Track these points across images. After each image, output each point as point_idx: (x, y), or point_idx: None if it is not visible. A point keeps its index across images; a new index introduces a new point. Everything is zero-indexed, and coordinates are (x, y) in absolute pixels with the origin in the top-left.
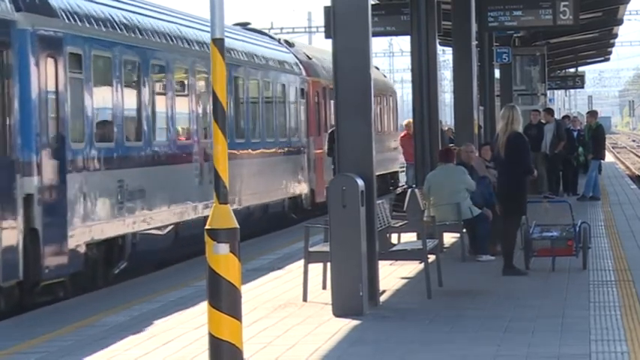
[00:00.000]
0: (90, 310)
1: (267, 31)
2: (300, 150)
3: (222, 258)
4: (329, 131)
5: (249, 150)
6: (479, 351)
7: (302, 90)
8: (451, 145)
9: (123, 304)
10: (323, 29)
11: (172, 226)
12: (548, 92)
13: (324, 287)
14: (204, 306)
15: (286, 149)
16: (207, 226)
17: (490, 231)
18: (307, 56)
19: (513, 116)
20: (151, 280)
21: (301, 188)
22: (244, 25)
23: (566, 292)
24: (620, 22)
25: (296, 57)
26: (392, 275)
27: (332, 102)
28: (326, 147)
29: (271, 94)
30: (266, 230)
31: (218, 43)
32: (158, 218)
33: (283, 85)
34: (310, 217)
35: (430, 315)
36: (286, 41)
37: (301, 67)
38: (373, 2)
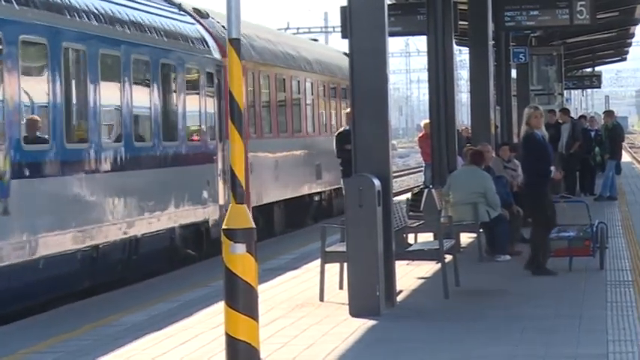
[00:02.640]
0: (107, 310)
1: (179, 2)
2: (206, 158)
3: (238, 258)
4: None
5: (98, 159)
6: (497, 351)
7: (210, 75)
8: (468, 144)
9: (140, 303)
10: (339, 29)
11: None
12: (565, 92)
13: (341, 287)
14: (221, 305)
15: (173, 157)
16: (224, 226)
17: (508, 231)
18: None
19: (529, 119)
20: (169, 279)
21: (207, 212)
22: None
23: (584, 293)
24: (637, 21)
25: (207, 30)
26: (409, 275)
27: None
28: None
29: (142, 77)
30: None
31: (235, 43)
32: None
33: (171, 67)
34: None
35: (447, 315)
36: (196, 10)
37: (213, 44)
38: (389, 2)
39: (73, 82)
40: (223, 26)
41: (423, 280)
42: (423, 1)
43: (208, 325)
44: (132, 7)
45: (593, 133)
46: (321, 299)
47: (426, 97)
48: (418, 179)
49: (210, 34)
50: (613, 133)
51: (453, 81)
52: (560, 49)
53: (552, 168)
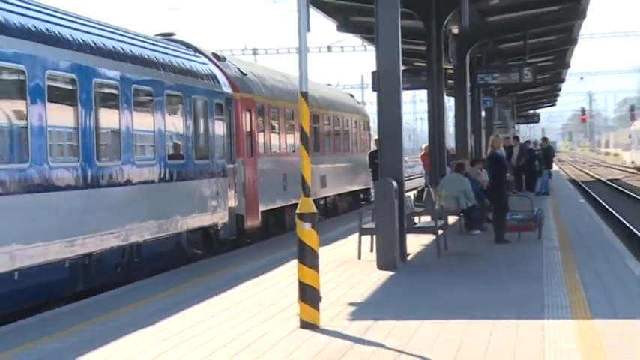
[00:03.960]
0: (186, 276)
1: (199, 47)
2: (214, 174)
3: (306, 232)
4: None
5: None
6: (470, 290)
7: (220, 105)
8: (453, 159)
9: (221, 269)
10: (371, 86)
11: None
12: (516, 126)
13: (371, 250)
14: (293, 263)
15: (200, 172)
16: (297, 212)
17: (479, 215)
18: (240, 71)
19: (493, 143)
20: (253, 249)
21: (215, 218)
22: (168, 36)
23: (528, 254)
24: (563, 80)
25: (221, 70)
26: (415, 243)
27: (270, 120)
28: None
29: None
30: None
31: (304, 94)
32: None
33: (180, 98)
34: (220, 252)
35: (439, 268)
36: (214, 54)
37: (224, 80)
38: (403, 68)
39: (131, 113)
40: (238, 68)
41: (423, 246)
42: (424, 67)
43: (288, 274)
44: (159, 50)
45: (535, 152)
46: (359, 258)
47: (426, 129)
48: (421, 182)
49: (224, 73)
50: (547, 152)
51: (444, 119)
52: (513, 98)
53: (508, 174)
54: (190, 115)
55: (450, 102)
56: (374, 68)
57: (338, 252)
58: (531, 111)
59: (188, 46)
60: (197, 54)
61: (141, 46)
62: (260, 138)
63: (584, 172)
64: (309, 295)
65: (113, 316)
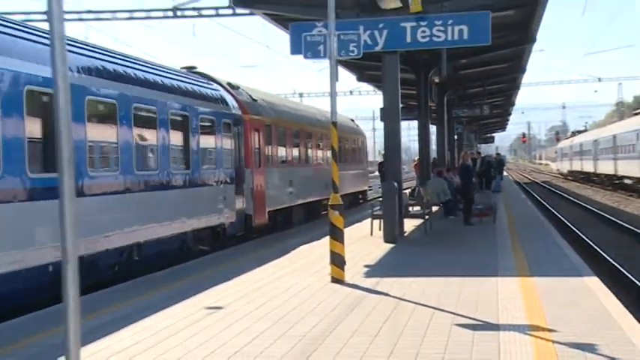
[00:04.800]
0: (219, 261)
1: (215, 77)
2: (224, 181)
3: (335, 217)
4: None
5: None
6: (448, 258)
7: (228, 124)
8: (435, 168)
9: (281, 242)
10: (379, 117)
11: None
12: (478, 145)
13: (380, 229)
14: (326, 240)
15: (210, 179)
16: (329, 203)
17: (453, 206)
18: (252, 98)
19: (463, 156)
20: (285, 235)
21: (223, 217)
22: (190, 69)
23: (486, 233)
24: (509, 113)
25: (233, 96)
26: (409, 224)
27: (275, 136)
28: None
29: (181, 125)
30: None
31: (334, 124)
32: None
33: (195, 118)
34: (230, 245)
35: (426, 242)
36: (229, 83)
37: (234, 104)
38: (401, 106)
39: (168, 132)
40: (249, 95)
41: (415, 227)
42: (415, 105)
43: (320, 249)
44: (178, 79)
45: (491, 162)
46: (371, 235)
47: (417, 147)
48: (413, 183)
49: (235, 98)
50: (499, 162)
51: (429, 140)
52: (476, 126)
53: (474, 178)
54: (197, 132)
55: (433, 129)
56: (381, 105)
57: (356, 231)
58: (488, 135)
59: (207, 77)
60: (212, 83)
61: (174, 79)
62: (268, 151)
63: (524, 176)
64: (337, 260)
65: (193, 280)
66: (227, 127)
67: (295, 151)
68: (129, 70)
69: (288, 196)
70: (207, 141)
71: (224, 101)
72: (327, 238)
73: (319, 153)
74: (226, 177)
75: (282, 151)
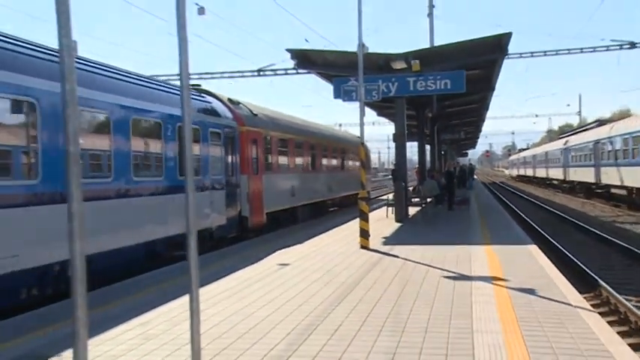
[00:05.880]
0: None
1: (216, 94)
2: (212, 187)
3: (363, 205)
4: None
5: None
6: (438, 233)
7: (217, 134)
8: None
9: (313, 229)
10: (392, 140)
11: None
12: (457, 158)
13: (393, 213)
14: (342, 227)
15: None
16: (359, 196)
17: (442, 198)
18: (252, 112)
19: (447, 165)
20: (309, 225)
21: (210, 221)
22: (195, 86)
23: (463, 216)
24: (478, 137)
25: (230, 110)
26: (412, 210)
27: (276, 147)
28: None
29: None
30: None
31: (363, 144)
32: None
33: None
34: (222, 245)
35: (423, 222)
36: (230, 99)
37: (230, 116)
38: (406, 132)
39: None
40: (249, 109)
41: (416, 212)
42: (415, 131)
43: (350, 228)
44: (153, 87)
45: (466, 169)
46: (387, 217)
47: (417, 159)
48: (414, 183)
49: (232, 111)
50: (471, 170)
51: (425, 154)
52: (456, 145)
53: (454, 180)
54: (173, 139)
55: (427, 147)
56: (394, 132)
57: (376, 214)
58: (464, 151)
59: (208, 93)
60: (205, 96)
61: (147, 86)
62: (267, 159)
63: (488, 178)
64: (364, 233)
65: (265, 249)
66: (216, 137)
67: (299, 160)
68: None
69: (290, 198)
70: (196, 150)
71: (214, 112)
72: (340, 227)
73: (323, 161)
74: (214, 183)
75: (283, 159)
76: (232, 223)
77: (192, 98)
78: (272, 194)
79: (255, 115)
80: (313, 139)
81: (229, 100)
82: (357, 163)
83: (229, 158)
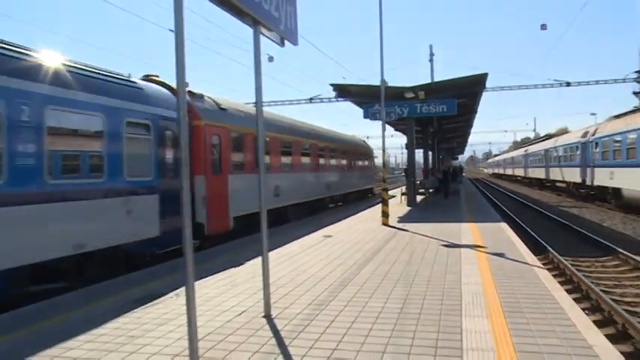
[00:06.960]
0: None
1: (169, 83)
2: (128, 192)
3: (385, 194)
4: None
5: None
6: (437, 214)
7: (143, 125)
8: (431, 171)
9: (336, 217)
10: (404, 147)
11: None
12: (451, 161)
13: (405, 199)
14: (359, 218)
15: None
16: (381, 189)
17: (440, 190)
18: (218, 106)
19: (443, 166)
20: (322, 217)
21: (125, 236)
22: (147, 76)
23: (456, 203)
24: (465, 146)
25: (192, 103)
26: (419, 198)
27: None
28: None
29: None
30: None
31: (384, 150)
32: None
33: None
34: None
35: (426, 207)
36: (190, 91)
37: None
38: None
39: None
40: (217, 103)
41: (422, 199)
42: (421, 142)
43: (373, 212)
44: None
45: (457, 169)
46: (400, 202)
47: (422, 162)
48: (420, 179)
49: (195, 105)
50: (461, 169)
51: (428, 159)
52: (450, 152)
53: (449, 177)
54: (43, 129)
55: (430, 153)
56: (406, 142)
57: (392, 201)
58: (455, 156)
59: (164, 85)
60: (150, 84)
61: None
62: (233, 158)
63: (473, 175)
64: (385, 214)
65: (315, 225)
66: (140, 128)
67: (286, 159)
68: None
69: (274, 199)
70: (80, 143)
71: (138, 99)
72: (361, 213)
73: (321, 161)
74: (134, 188)
75: (265, 159)
76: (174, 235)
77: (101, 79)
78: (243, 196)
79: (224, 110)
80: (307, 139)
81: (190, 92)
82: (360, 163)
83: (169, 156)
